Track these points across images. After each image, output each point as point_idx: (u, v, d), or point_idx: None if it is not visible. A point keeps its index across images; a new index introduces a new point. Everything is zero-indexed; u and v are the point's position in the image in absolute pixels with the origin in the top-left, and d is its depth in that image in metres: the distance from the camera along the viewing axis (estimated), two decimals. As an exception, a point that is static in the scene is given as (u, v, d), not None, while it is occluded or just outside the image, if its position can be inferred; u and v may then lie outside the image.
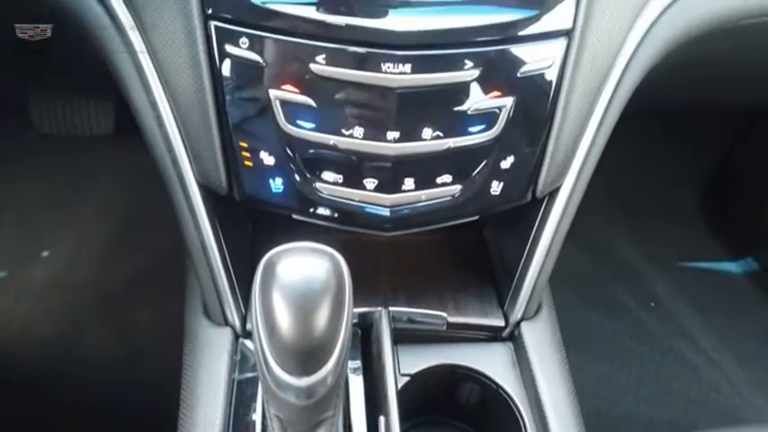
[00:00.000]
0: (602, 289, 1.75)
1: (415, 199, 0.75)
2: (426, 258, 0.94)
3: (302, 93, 0.69)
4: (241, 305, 0.82)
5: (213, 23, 0.68)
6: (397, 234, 0.78)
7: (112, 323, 1.59)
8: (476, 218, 0.81)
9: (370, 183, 0.73)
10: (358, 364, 0.83)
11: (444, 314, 0.86)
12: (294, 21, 0.66)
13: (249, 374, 0.79)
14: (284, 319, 0.55)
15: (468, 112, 0.71)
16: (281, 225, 0.82)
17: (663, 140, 1.90)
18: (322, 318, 0.56)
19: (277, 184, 0.74)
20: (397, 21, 0.66)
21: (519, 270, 0.85)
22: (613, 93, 0.78)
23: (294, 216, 0.78)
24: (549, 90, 0.73)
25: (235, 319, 0.81)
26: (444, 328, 0.86)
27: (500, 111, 0.72)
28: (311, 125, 0.70)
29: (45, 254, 1.69)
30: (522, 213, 0.83)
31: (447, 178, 0.75)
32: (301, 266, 0.57)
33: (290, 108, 0.69)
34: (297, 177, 0.73)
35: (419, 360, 0.83)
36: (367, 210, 0.75)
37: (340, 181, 0.73)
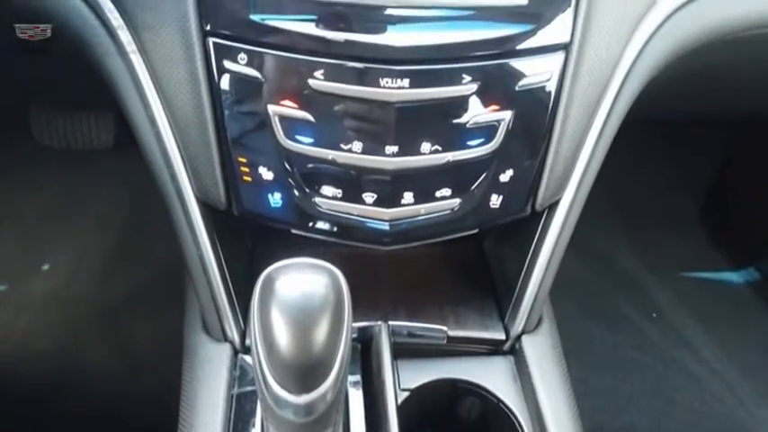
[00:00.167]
0: (603, 300, 1.74)
1: (414, 213, 0.75)
2: (426, 271, 0.93)
3: (301, 108, 0.69)
4: (240, 320, 0.81)
5: (212, 40, 0.68)
6: (397, 248, 0.78)
7: (112, 337, 1.59)
8: (475, 231, 0.80)
9: (369, 197, 0.73)
10: (358, 378, 0.82)
11: (444, 328, 0.85)
12: (293, 37, 0.67)
13: (248, 388, 0.79)
14: (283, 336, 0.55)
15: (467, 126, 0.71)
16: (280, 239, 0.82)
17: (663, 150, 1.90)
18: (321, 334, 0.56)
19: (276, 199, 0.74)
20: (394, 36, 0.67)
21: (519, 283, 0.85)
22: (612, 105, 0.78)
23: (293, 231, 0.78)
24: (548, 103, 0.73)
25: (234, 334, 0.81)
26: (444, 341, 0.86)
27: (499, 124, 0.72)
28: (310, 140, 0.70)
29: (45, 267, 1.69)
30: (522, 226, 0.83)
31: (446, 192, 0.75)
32: (300, 282, 0.57)
33: (289, 123, 0.70)
34: (296, 192, 0.73)
35: (419, 374, 0.82)
36: (366, 224, 0.75)
37: (339, 195, 0.73)
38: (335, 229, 0.76)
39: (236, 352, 0.81)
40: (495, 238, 0.96)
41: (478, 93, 0.70)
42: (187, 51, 0.69)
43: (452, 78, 0.69)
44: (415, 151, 0.71)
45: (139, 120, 0.73)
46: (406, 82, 0.68)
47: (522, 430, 0.80)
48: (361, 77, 0.67)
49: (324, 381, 0.56)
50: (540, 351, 0.84)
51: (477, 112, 0.71)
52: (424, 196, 0.74)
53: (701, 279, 1.85)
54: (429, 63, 0.68)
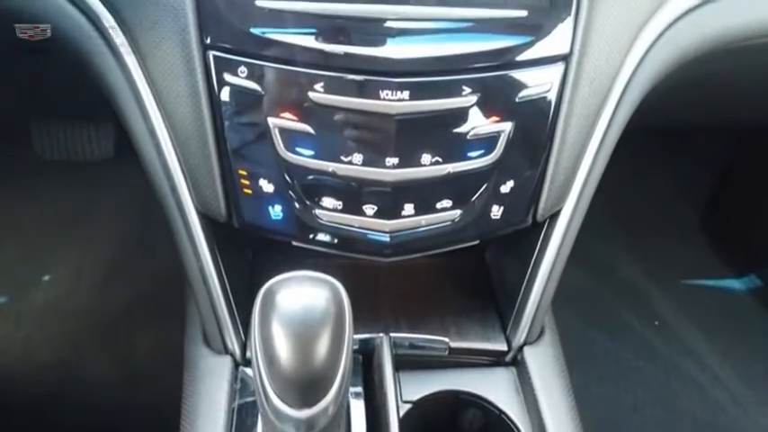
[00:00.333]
0: (605, 308, 1.74)
1: (414, 224, 0.75)
2: (427, 283, 0.93)
3: (301, 120, 0.69)
4: (241, 333, 0.81)
5: (212, 53, 0.68)
6: (398, 260, 0.77)
7: (113, 348, 1.58)
8: (476, 242, 0.80)
9: (370, 209, 0.73)
10: (359, 389, 0.82)
11: (446, 339, 0.85)
12: (293, 49, 0.67)
13: (249, 399, 0.78)
14: (284, 350, 0.55)
15: (467, 138, 0.71)
16: (281, 251, 0.82)
17: (663, 158, 1.90)
18: (322, 347, 0.55)
19: (276, 212, 0.74)
20: (394, 49, 0.67)
21: (521, 294, 0.84)
22: (612, 115, 0.78)
23: (294, 243, 0.78)
24: (548, 114, 0.73)
25: (235, 346, 0.80)
26: (446, 353, 0.85)
27: (499, 135, 0.72)
28: (310, 152, 0.70)
29: (46, 278, 1.69)
30: (523, 237, 0.83)
31: (447, 203, 0.75)
32: (301, 296, 0.57)
33: (289, 136, 0.70)
34: (296, 204, 0.73)
35: (421, 386, 0.82)
36: (367, 236, 0.75)
37: (339, 207, 0.73)
38: (336, 240, 0.76)
39: (236, 364, 0.81)
40: (496, 248, 0.96)
41: (478, 104, 0.70)
42: (187, 64, 0.69)
43: (452, 90, 0.69)
44: (416, 163, 0.71)
45: (139, 132, 0.73)
46: (405, 94, 0.68)
47: None
48: (361, 90, 0.67)
49: (325, 395, 0.56)
50: (543, 362, 0.84)
51: (477, 124, 0.71)
52: (424, 208, 0.74)
53: (702, 286, 1.84)
54: (429, 75, 0.68)
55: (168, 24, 0.68)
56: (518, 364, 0.85)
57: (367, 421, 0.77)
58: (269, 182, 0.72)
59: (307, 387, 0.56)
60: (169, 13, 0.68)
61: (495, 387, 0.83)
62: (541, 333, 0.87)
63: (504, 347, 0.86)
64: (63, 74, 0.85)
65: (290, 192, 0.73)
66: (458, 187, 0.74)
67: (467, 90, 0.69)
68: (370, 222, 0.74)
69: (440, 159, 0.71)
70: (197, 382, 0.79)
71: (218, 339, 0.80)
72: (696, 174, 1.94)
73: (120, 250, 1.72)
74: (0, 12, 0.71)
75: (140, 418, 1.41)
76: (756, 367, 1.64)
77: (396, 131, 0.69)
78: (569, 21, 0.71)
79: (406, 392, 0.81)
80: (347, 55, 0.67)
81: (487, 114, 0.70)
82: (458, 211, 0.75)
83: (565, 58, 0.72)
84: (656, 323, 1.72)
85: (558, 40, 0.71)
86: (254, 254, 0.94)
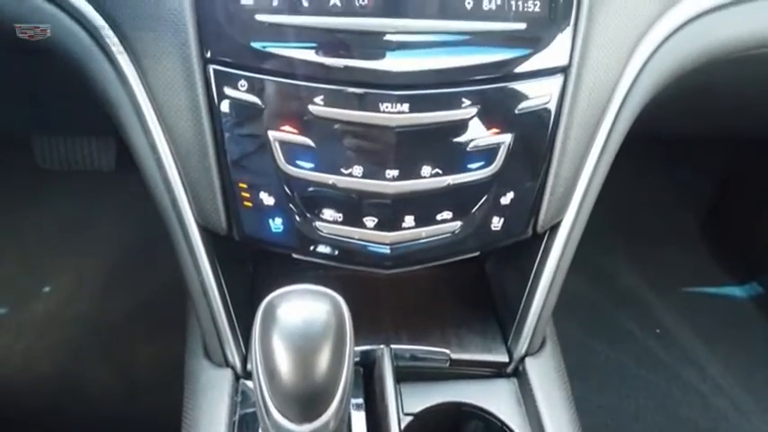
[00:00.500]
0: (607, 317, 1.74)
1: (415, 236, 0.75)
2: (428, 294, 0.93)
3: (301, 133, 0.69)
4: (242, 345, 0.81)
5: (212, 67, 0.68)
6: (398, 272, 0.77)
7: (113, 359, 1.58)
8: (477, 254, 0.80)
9: (370, 221, 0.73)
10: (360, 401, 0.82)
11: (447, 351, 0.85)
12: (293, 63, 0.67)
13: (250, 410, 0.78)
14: (284, 364, 0.55)
15: (467, 149, 0.71)
16: (282, 263, 0.82)
17: (663, 166, 1.90)
18: (323, 362, 0.55)
19: (277, 224, 0.74)
20: (393, 62, 0.67)
21: (522, 305, 0.84)
22: (612, 126, 0.78)
23: (294, 255, 0.78)
24: (548, 126, 0.74)
25: (235, 359, 0.80)
26: (447, 365, 0.85)
27: (499, 147, 0.72)
28: (310, 165, 0.70)
29: (46, 289, 1.69)
30: (524, 248, 0.83)
31: (447, 215, 0.75)
32: (301, 310, 0.57)
33: (289, 148, 0.70)
34: (296, 217, 0.73)
35: (422, 398, 0.82)
36: (367, 248, 0.75)
37: (340, 219, 0.73)
38: (336, 253, 0.76)
39: (237, 377, 0.81)
40: (496, 260, 0.96)
41: (478, 116, 0.70)
42: (188, 79, 0.69)
43: (452, 102, 0.69)
44: (416, 175, 0.71)
45: (140, 146, 0.74)
46: (405, 106, 0.68)
47: None
48: (361, 103, 0.68)
49: (326, 409, 0.56)
50: (544, 373, 0.83)
51: (477, 136, 0.71)
52: (424, 219, 0.74)
53: (703, 294, 1.84)
54: (428, 88, 0.68)
55: (169, 39, 0.68)
56: (519, 375, 0.85)
57: (368, 434, 0.77)
58: (269, 195, 0.73)
59: (308, 401, 0.55)
60: (170, 27, 0.68)
61: (496, 399, 0.83)
62: (542, 344, 0.87)
63: (505, 359, 0.86)
64: (64, 89, 0.85)
65: (291, 204, 0.73)
66: (458, 199, 0.74)
67: (466, 102, 0.69)
68: (370, 234, 0.74)
69: (440, 171, 0.72)
70: (198, 396, 0.78)
71: (218, 352, 0.80)
72: (696, 182, 1.94)
73: (120, 260, 1.72)
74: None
75: (140, 428, 1.41)
76: (758, 375, 1.63)
77: (396, 144, 0.69)
78: (568, 33, 0.71)
79: (407, 404, 0.81)
80: (347, 68, 0.67)
81: (487, 126, 0.71)
82: (458, 223, 0.75)
83: (564, 70, 0.72)
84: (658, 331, 1.72)
85: (556, 51, 0.71)
86: (254, 266, 0.94)
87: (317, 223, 0.74)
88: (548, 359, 0.86)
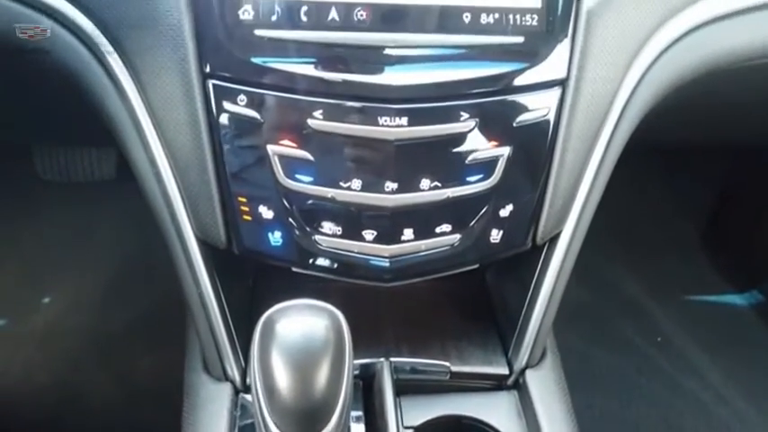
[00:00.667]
0: (608, 326, 1.73)
1: (414, 249, 0.75)
2: (428, 306, 0.93)
3: (300, 147, 0.69)
4: (241, 359, 0.81)
5: (211, 82, 0.69)
6: (398, 284, 0.77)
7: (113, 370, 1.57)
8: (476, 266, 0.80)
9: (369, 234, 0.73)
10: (360, 413, 0.81)
11: (447, 364, 0.85)
12: (292, 78, 0.67)
13: (249, 420, 0.78)
14: (283, 380, 0.55)
15: (466, 162, 0.71)
16: (282, 275, 0.81)
17: (663, 176, 1.91)
18: (322, 377, 0.55)
19: (276, 238, 0.74)
20: (392, 75, 0.67)
21: (522, 317, 0.84)
22: (610, 137, 0.78)
23: (293, 269, 0.78)
24: (546, 138, 0.74)
25: (235, 373, 0.80)
26: (448, 377, 0.85)
27: (497, 160, 0.72)
28: (309, 179, 0.71)
29: (46, 300, 1.68)
30: (524, 260, 0.83)
31: (446, 228, 0.75)
32: (300, 325, 0.57)
33: (288, 162, 0.70)
34: (295, 230, 0.73)
35: (422, 411, 0.81)
36: (366, 261, 0.75)
37: (339, 233, 0.73)
38: (336, 266, 0.76)
39: (236, 391, 0.80)
40: (496, 271, 0.96)
41: (477, 129, 0.70)
42: (187, 93, 0.69)
43: (450, 116, 0.69)
44: (415, 188, 0.71)
45: (139, 160, 0.74)
46: (404, 120, 0.68)
47: None
48: (360, 116, 0.68)
49: (325, 425, 0.56)
50: (544, 386, 0.83)
51: (475, 149, 0.71)
52: (424, 232, 0.74)
53: (704, 303, 1.84)
54: (427, 101, 0.69)
55: (168, 54, 0.68)
56: (520, 387, 0.85)
57: (368, 448, 0.76)
58: (268, 208, 0.73)
59: (307, 417, 0.55)
60: (169, 43, 0.68)
61: (496, 411, 0.83)
62: (543, 356, 0.87)
63: (505, 371, 0.85)
64: (64, 100, 0.85)
65: (290, 218, 0.73)
66: (457, 212, 0.74)
67: (465, 115, 0.69)
68: (369, 247, 0.74)
69: (439, 184, 0.72)
70: (197, 410, 0.78)
71: (217, 366, 0.80)
72: (696, 191, 1.94)
73: (120, 271, 1.72)
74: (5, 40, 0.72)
75: (141, 440, 1.40)
76: (760, 384, 1.62)
77: (394, 157, 0.69)
78: (566, 46, 0.71)
79: (407, 418, 0.80)
80: (346, 82, 0.67)
81: (486, 139, 0.71)
82: (457, 236, 0.75)
83: (562, 83, 0.73)
84: (659, 340, 1.71)
85: (554, 64, 0.71)
86: (254, 279, 0.94)
87: (317, 237, 0.74)
88: (548, 371, 0.85)
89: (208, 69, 0.68)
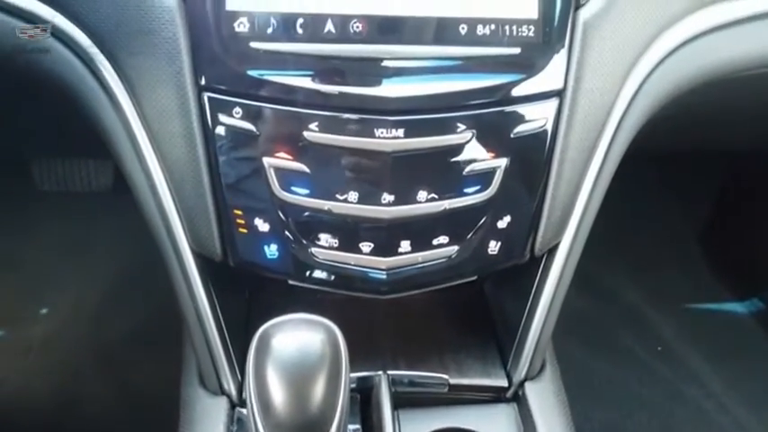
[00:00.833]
0: (608, 335, 1.73)
1: (411, 261, 0.74)
2: (426, 317, 0.92)
3: (296, 160, 0.69)
4: (237, 373, 0.80)
5: (207, 94, 0.68)
6: (395, 296, 0.77)
7: (111, 381, 1.57)
8: (474, 278, 0.80)
9: (366, 246, 0.73)
10: (357, 426, 0.81)
11: (446, 376, 0.84)
12: (288, 90, 0.67)
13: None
14: (279, 397, 0.55)
15: (463, 174, 0.71)
16: (278, 288, 0.81)
17: (663, 183, 1.90)
18: (318, 393, 0.55)
19: (272, 250, 0.74)
20: (389, 87, 0.67)
21: (521, 328, 0.84)
22: (608, 148, 0.78)
23: (290, 281, 0.77)
24: (543, 149, 0.73)
25: (231, 387, 0.79)
26: (446, 390, 0.84)
27: (495, 171, 0.72)
28: (305, 191, 0.70)
29: (44, 311, 1.68)
30: (522, 271, 0.82)
31: (443, 239, 0.74)
32: (296, 340, 0.57)
33: (284, 175, 0.70)
34: (292, 243, 0.73)
35: (421, 425, 0.81)
36: (363, 273, 0.74)
37: (335, 245, 0.73)
38: (332, 278, 0.75)
39: (233, 405, 0.80)
40: (494, 282, 0.95)
41: (474, 141, 0.70)
42: (182, 106, 0.69)
43: (447, 127, 0.69)
44: (412, 200, 0.71)
45: (135, 173, 0.73)
46: (401, 132, 0.68)
47: None
48: (357, 128, 0.68)
49: (322, 442, 0.55)
50: (544, 398, 0.83)
51: (472, 160, 0.71)
52: (421, 244, 0.74)
53: (704, 311, 1.83)
54: (424, 113, 0.68)
55: (163, 67, 0.68)
56: (519, 400, 0.84)
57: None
58: (264, 221, 0.72)
59: (303, 434, 0.55)
60: (164, 56, 0.68)
61: (496, 424, 0.82)
62: (542, 367, 0.86)
63: (504, 383, 0.85)
64: (61, 114, 0.85)
65: (286, 230, 0.72)
66: (454, 223, 0.74)
67: (462, 127, 0.69)
68: (366, 260, 0.74)
69: (436, 196, 0.71)
70: (193, 425, 0.78)
71: (214, 380, 0.79)
72: (695, 198, 1.94)
73: (118, 282, 1.72)
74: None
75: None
76: (761, 392, 1.62)
77: (391, 169, 0.69)
78: (562, 56, 0.71)
79: (405, 431, 0.80)
80: (342, 94, 0.67)
81: (483, 150, 0.71)
82: (454, 248, 0.75)
83: (559, 94, 0.72)
84: (659, 349, 1.70)
85: (551, 75, 0.71)
86: (250, 292, 0.93)
87: (313, 249, 0.73)
88: (547, 383, 0.85)
89: (203, 82, 0.68)
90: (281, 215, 0.71)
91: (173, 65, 0.68)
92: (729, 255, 1.89)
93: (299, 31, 0.66)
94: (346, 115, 0.67)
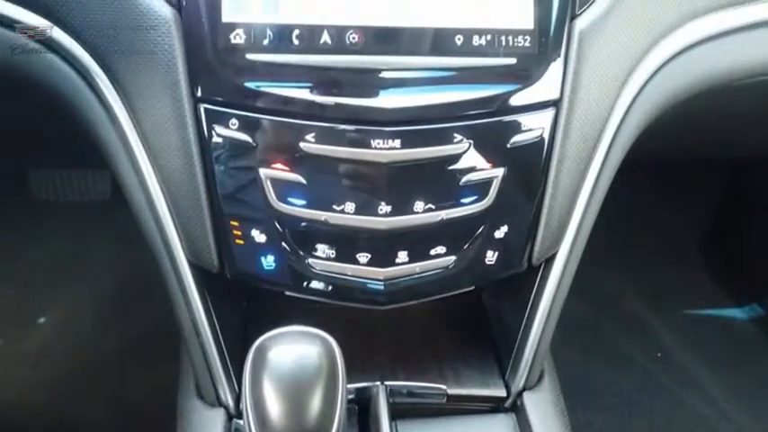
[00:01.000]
0: (608, 341, 1.72)
1: (409, 272, 0.74)
2: (423, 328, 0.92)
3: (292, 171, 0.69)
4: (234, 384, 0.80)
5: (203, 106, 0.68)
6: (393, 307, 0.77)
7: (108, 391, 1.56)
8: (471, 288, 0.80)
9: (364, 257, 0.73)
10: None
11: (444, 387, 0.84)
12: (284, 101, 0.67)
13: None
14: (275, 408, 0.55)
15: (460, 184, 0.71)
16: (275, 299, 0.81)
17: (662, 190, 1.90)
18: (314, 406, 0.55)
19: (269, 261, 0.74)
20: (385, 98, 0.67)
21: (519, 338, 0.83)
22: (605, 157, 0.78)
23: (287, 292, 0.77)
24: (540, 159, 0.73)
25: (228, 399, 0.79)
26: (444, 400, 0.84)
27: (492, 181, 0.72)
28: (302, 202, 0.70)
29: (41, 320, 1.67)
30: (520, 280, 0.82)
31: (441, 250, 0.74)
32: (292, 352, 0.57)
33: (281, 186, 0.69)
34: (289, 254, 0.73)
35: None
36: (361, 284, 0.74)
37: (333, 256, 0.73)
38: (330, 289, 0.75)
39: (230, 417, 0.79)
40: (492, 292, 0.95)
41: (470, 151, 0.70)
42: (178, 118, 0.69)
43: (444, 137, 0.69)
44: (409, 210, 0.71)
45: (131, 185, 0.73)
46: (397, 142, 0.68)
47: None
48: (353, 139, 0.68)
49: (319, 455, 0.55)
50: (542, 408, 0.82)
51: (469, 170, 0.71)
52: (418, 255, 0.74)
53: (705, 317, 1.83)
54: (420, 123, 0.68)
55: (159, 79, 0.68)
56: (518, 410, 0.84)
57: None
58: (261, 232, 0.72)
59: (300, 447, 0.55)
60: (160, 67, 0.68)
61: None
62: (541, 377, 0.86)
63: (503, 393, 0.84)
64: (59, 125, 0.85)
65: (283, 241, 0.72)
66: (451, 234, 0.74)
67: (458, 137, 0.69)
68: (363, 270, 0.73)
69: (433, 206, 0.71)
70: (191, 437, 0.77)
71: (211, 392, 0.79)
72: (695, 205, 1.94)
73: (116, 291, 1.71)
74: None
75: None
76: (761, 398, 1.61)
77: (388, 179, 0.69)
78: (558, 67, 0.71)
79: None
80: (338, 105, 0.67)
81: (479, 160, 0.71)
82: (452, 258, 0.75)
83: (555, 104, 0.72)
84: (659, 355, 1.70)
85: (547, 86, 0.71)
86: (248, 303, 0.93)
87: (310, 260, 0.73)
88: (546, 393, 0.84)
89: (199, 93, 0.68)
90: (278, 226, 0.71)
91: (169, 76, 0.68)
92: (729, 261, 1.89)
93: (296, 42, 0.66)
94: (343, 126, 0.67)
